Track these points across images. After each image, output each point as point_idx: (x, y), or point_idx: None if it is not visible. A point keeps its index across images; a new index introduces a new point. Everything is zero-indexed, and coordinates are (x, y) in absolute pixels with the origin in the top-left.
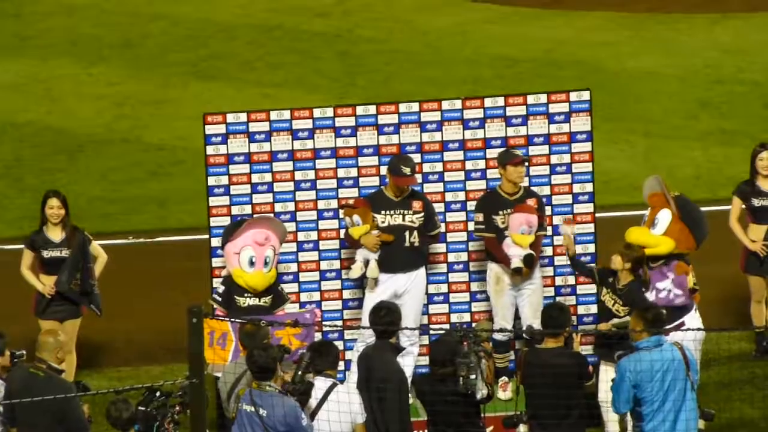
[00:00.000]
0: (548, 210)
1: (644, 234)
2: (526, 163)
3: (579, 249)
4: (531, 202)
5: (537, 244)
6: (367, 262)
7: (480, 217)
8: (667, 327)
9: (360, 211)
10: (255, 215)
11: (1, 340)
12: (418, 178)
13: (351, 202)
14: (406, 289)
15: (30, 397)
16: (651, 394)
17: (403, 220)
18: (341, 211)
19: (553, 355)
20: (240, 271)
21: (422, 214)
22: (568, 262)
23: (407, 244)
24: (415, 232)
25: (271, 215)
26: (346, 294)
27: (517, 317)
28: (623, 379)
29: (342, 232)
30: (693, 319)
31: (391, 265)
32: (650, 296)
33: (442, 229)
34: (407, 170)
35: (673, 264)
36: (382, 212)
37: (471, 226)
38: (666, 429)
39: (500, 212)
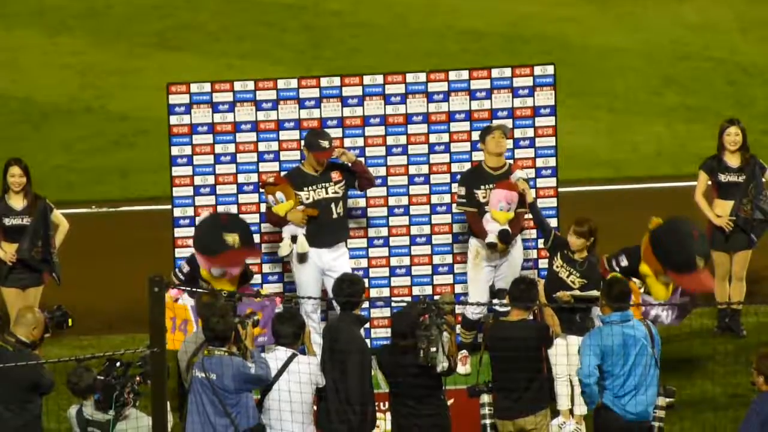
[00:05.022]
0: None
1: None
2: (506, 134)
3: None
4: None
5: (517, 222)
6: (294, 238)
7: (462, 190)
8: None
9: (282, 187)
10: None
11: None
12: (336, 152)
13: (270, 180)
14: (331, 266)
15: None
16: (616, 368)
17: (327, 193)
18: (263, 190)
19: (518, 328)
20: (207, 273)
21: (343, 182)
22: (532, 236)
23: (334, 216)
24: (341, 203)
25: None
26: (266, 268)
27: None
28: (588, 352)
29: (264, 206)
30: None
31: (319, 239)
32: (665, 318)
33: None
34: (326, 143)
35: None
36: (305, 189)
37: (434, 198)
38: (629, 403)
39: (482, 187)
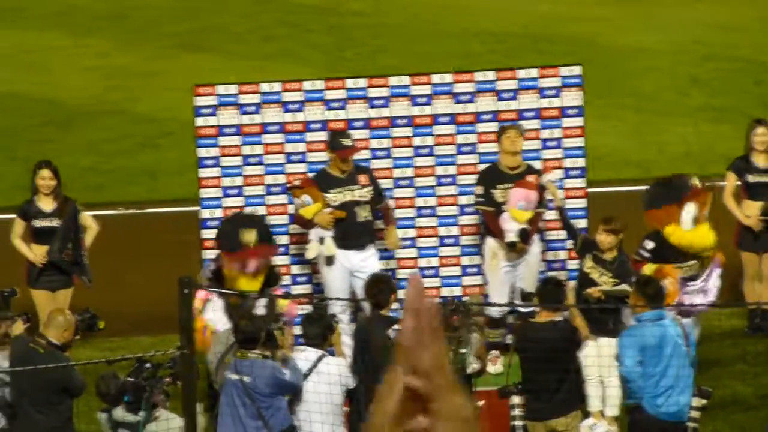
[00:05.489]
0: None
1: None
2: (522, 134)
3: None
4: (532, 178)
5: (536, 221)
6: (321, 240)
7: (480, 189)
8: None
9: (308, 190)
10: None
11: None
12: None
13: (298, 182)
14: (359, 268)
15: (30, 372)
16: (650, 368)
17: (354, 195)
18: (290, 192)
19: (547, 329)
20: (231, 271)
21: (371, 187)
22: (561, 237)
23: (360, 219)
24: (367, 206)
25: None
26: (294, 269)
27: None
28: (628, 346)
29: (292, 208)
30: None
31: (346, 241)
32: (701, 300)
33: (392, 204)
34: (347, 141)
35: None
36: (331, 191)
37: (462, 200)
38: (664, 403)
39: (498, 186)
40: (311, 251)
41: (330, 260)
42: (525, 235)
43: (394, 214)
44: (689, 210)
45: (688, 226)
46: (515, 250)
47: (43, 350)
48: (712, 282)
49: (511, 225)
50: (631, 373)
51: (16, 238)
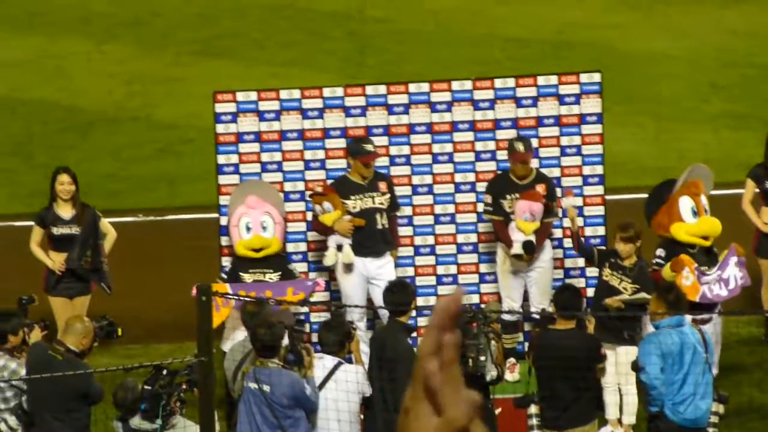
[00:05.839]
0: (558, 192)
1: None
2: (529, 146)
3: (589, 231)
4: (540, 188)
5: (544, 231)
6: (339, 247)
7: (489, 198)
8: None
9: (329, 197)
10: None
11: (15, 319)
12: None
13: (319, 189)
14: (377, 275)
15: (49, 379)
16: (671, 374)
17: (374, 203)
18: (311, 199)
19: (565, 337)
20: (240, 240)
21: (389, 195)
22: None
23: (379, 226)
24: (384, 214)
25: (263, 181)
26: (312, 276)
27: (525, 299)
28: (650, 353)
29: (311, 215)
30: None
31: (364, 248)
32: (724, 292)
33: (408, 212)
34: (370, 147)
35: (732, 248)
36: (352, 197)
37: (480, 207)
38: (686, 410)
39: (507, 196)
40: (329, 258)
41: (348, 268)
42: (530, 247)
43: (398, 234)
44: (685, 203)
45: (690, 219)
46: (522, 260)
47: (62, 357)
48: (730, 270)
49: (517, 236)
50: (655, 380)
51: (34, 245)
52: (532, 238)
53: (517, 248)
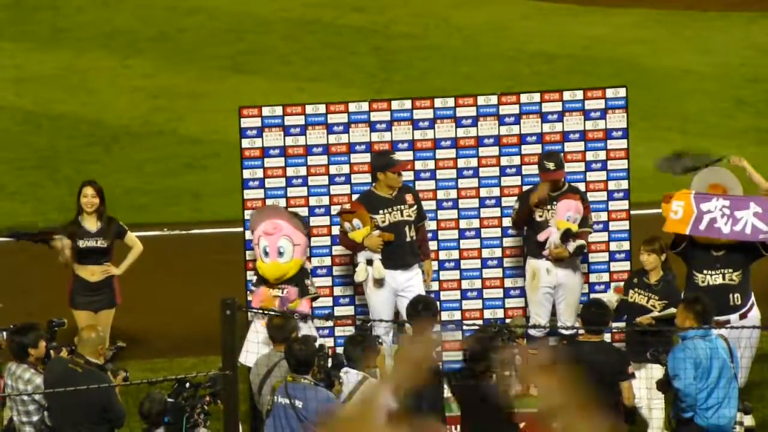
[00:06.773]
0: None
1: None
2: (559, 162)
3: (613, 246)
4: (575, 196)
5: (582, 238)
6: (369, 262)
7: (517, 205)
8: (715, 326)
9: (358, 214)
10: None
11: (36, 332)
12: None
13: (347, 206)
14: (405, 287)
15: (70, 392)
16: (701, 382)
17: (402, 215)
18: (339, 217)
19: (594, 350)
20: (259, 261)
21: (416, 206)
22: (604, 259)
23: (407, 239)
24: (412, 226)
25: (279, 206)
26: (337, 291)
27: (553, 314)
28: (682, 362)
29: (336, 229)
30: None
31: (394, 261)
32: (726, 229)
33: (432, 226)
34: (397, 156)
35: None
36: (381, 212)
37: (506, 221)
38: (713, 417)
39: (538, 207)
40: (360, 274)
41: (379, 283)
42: (568, 236)
43: (428, 245)
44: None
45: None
46: (558, 250)
47: (82, 369)
48: (745, 213)
49: (554, 237)
50: (689, 387)
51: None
52: (574, 228)
53: (555, 236)
